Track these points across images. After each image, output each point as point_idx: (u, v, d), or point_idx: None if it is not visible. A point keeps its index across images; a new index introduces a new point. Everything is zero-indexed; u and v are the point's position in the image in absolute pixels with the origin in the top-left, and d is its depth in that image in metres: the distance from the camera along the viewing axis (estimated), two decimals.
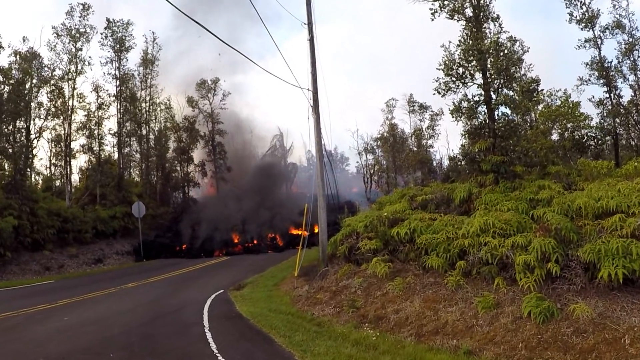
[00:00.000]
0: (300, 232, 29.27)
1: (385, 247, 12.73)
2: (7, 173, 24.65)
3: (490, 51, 13.27)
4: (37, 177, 34.27)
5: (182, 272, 22.23)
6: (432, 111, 36.73)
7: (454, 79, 13.84)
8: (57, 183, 33.74)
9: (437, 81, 14.08)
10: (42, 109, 29.79)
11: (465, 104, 13.97)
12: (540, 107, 21.05)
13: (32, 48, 29.21)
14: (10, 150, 24.86)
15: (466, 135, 14.46)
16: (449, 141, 45.01)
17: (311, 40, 17.83)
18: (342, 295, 12.32)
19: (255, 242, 32.77)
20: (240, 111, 42.29)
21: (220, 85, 39.82)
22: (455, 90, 13.99)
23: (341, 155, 71.36)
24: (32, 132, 29.32)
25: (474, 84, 13.84)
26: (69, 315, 12.49)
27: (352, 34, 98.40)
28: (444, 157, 37.13)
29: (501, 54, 13.33)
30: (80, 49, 30.63)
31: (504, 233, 10.14)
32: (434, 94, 14.24)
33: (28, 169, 31.82)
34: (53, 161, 33.16)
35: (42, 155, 54.91)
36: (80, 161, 32.77)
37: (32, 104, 29.50)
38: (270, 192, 38.06)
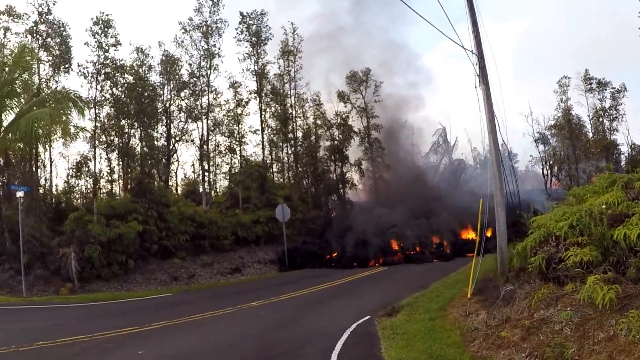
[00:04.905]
0: (472, 237, 24.97)
1: (604, 258, 8.63)
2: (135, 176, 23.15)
3: None
4: (180, 182, 33.53)
5: (324, 287, 17.72)
6: (612, 87, 33.44)
7: None
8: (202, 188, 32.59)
9: None
10: (181, 112, 28.59)
11: None
12: None
13: (167, 51, 28.39)
14: (136, 153, 23.49)
15: None
16: (628, 128, 35.40)
17: None
18: (540, 334, 8.13)
19: (417, 249, 26.95)
20: (397, 105, 37.62)
21: (372, 76, 35.81)
22: None
23: (509, 152, 61.40)
24: (172, 135, 28.34)
25: None
26: (148, 346, 9.57)
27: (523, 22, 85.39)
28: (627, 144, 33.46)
29: None
30: (214, 45, 29.07)
31: None
32: None
33: (173, 173, 30.86)
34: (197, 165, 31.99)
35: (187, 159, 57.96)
36: (223, 163, 30.67)
37: (172, 107, 28.57)
38: (435, 192, 32.75)
